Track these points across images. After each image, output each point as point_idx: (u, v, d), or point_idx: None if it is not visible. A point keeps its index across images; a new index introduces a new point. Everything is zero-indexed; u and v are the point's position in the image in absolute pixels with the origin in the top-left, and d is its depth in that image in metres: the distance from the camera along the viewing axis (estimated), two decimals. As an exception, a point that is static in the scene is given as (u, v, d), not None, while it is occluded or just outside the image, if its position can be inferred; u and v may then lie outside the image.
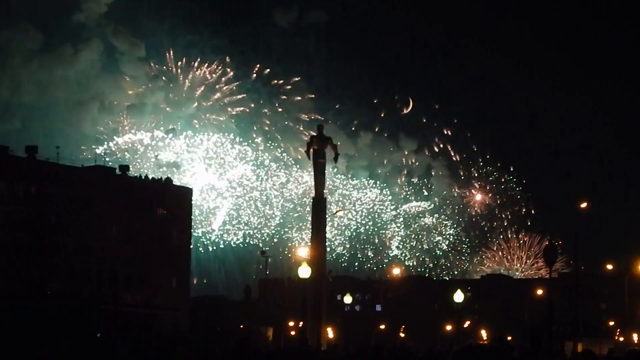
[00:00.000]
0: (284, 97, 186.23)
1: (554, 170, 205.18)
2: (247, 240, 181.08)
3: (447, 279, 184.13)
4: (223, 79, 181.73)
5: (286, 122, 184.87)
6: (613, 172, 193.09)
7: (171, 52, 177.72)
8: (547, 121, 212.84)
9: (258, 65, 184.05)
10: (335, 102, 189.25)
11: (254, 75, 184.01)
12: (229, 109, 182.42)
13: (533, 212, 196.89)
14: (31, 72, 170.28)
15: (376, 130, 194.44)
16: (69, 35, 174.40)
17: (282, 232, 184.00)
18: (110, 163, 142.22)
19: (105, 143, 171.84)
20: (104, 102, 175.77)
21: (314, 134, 77.84)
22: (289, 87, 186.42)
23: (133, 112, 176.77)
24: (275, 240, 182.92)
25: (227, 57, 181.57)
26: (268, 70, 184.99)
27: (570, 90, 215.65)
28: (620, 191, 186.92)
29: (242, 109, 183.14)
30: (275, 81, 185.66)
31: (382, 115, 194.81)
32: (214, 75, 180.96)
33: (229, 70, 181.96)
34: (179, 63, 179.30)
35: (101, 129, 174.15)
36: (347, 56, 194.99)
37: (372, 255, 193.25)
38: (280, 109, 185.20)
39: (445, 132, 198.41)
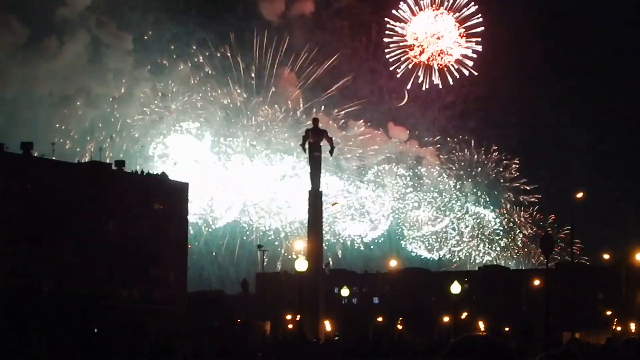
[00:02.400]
0: (272, 89, 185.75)
1: (551, 159, 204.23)
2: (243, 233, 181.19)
3: (444, 270, 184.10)
4: (210, 70, 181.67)
5: (276, 114, 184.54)
6: (611, 161, 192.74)
7: (157, 43, 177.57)
8: (544, 109, 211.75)
9: (244, 58, 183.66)
10: (324, 93, 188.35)
11: (242, 67, 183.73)
12: (217, 101, 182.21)
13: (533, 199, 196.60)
14: (16, 67, 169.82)
15: (366, 120, 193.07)
16: (54, 29, 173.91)
17: (278, 226, 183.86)
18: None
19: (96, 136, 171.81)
20: (90, 95, 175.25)
21: (310, 127, 78.01)
22: (277, 78, 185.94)
23: (119, 105, 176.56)
24: (270, 234, 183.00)
25: (213, 50, 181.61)
26: (254, 62, 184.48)
27: (567, 77, 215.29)
28: (617, 180, 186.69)
29: (228, 101, 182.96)
30: (263, 73, 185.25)
31: (372, 105, 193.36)
32: (199, 69, 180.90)
33: (216, 62, 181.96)
34: (165, 55, 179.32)
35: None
36: (334, 47, 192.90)
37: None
38: (267, 103, 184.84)
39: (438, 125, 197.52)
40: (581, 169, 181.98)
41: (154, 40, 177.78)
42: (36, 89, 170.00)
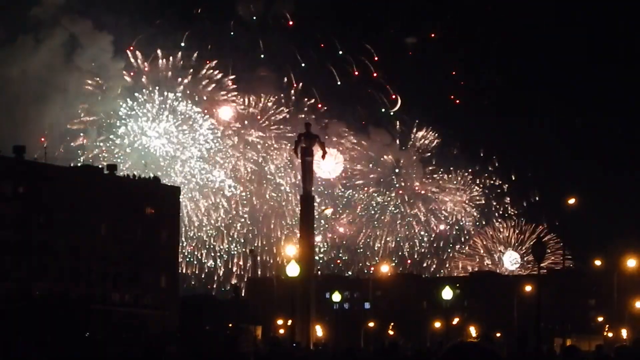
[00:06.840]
0: (251, 91, 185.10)
1: (542, 165, 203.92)
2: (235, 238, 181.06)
3: (436, 275, 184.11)
4: (188, 73, 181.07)
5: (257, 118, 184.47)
6: (603, 166, 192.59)
7: (132, 42, 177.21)
8: (534, 114, 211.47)
9: (220, 61, 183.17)
10: (308, 97, 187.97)
11: (219, 70, 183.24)
12: (195, 104, 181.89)
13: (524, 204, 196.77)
14: None
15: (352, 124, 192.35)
16: (29, 29, 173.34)
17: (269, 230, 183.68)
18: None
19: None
20: (67, 95, 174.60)
21: (302, 132, 77.97)
22: (256, 81, 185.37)
23: (96, 103, 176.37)
24: (262, 238, 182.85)
25: (192, 51, 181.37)
26: (232, 64, 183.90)
27: (559, 81, 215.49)
28: (608, 186, 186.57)
29: (208, 104, 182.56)
30: (240, 75, 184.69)
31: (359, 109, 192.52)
32: (175, 69, 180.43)
33: (193, 64, 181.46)
34: (141, 57, 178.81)
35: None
36: (315, 48, 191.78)
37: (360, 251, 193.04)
38: (246, 105, 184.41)
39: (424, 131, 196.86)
40: (572, 175, 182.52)
41: (129, 39, 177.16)
42: (11, 90, 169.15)
